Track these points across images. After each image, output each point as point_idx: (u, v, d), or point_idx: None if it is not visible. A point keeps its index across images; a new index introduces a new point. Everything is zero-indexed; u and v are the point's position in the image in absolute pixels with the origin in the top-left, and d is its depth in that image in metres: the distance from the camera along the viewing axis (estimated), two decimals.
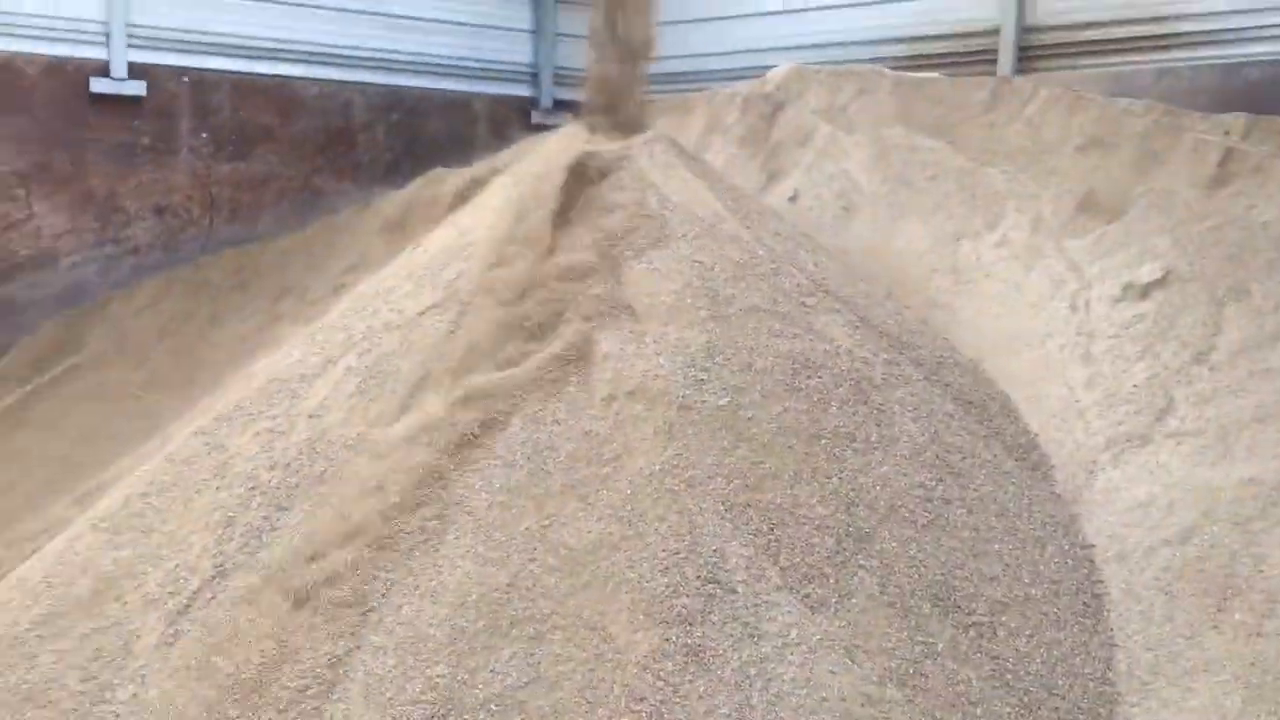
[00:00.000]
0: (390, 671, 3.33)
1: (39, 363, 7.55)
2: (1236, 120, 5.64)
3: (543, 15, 9.46)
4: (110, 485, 5.27)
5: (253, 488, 4.05)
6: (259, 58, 8.32)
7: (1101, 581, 3.84)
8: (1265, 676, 3.30)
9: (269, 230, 8.38)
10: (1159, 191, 5.20)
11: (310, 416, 4.24)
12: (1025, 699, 3.39)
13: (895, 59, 7.96)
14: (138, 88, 7.83)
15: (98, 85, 7.70)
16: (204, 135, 8.20)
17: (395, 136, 9.06)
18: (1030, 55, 7.62)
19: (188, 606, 3.75)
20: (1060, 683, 3.46)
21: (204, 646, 3.59)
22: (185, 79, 8.07)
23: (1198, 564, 3.72)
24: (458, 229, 4.96)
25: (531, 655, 3.33)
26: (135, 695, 3.54)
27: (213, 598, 3.74)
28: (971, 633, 3.52)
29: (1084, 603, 3.74)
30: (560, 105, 9.22)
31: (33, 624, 3.86)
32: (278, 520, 3.92)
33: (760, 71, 7.42)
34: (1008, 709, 3.34)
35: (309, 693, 3.37)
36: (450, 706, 3.23)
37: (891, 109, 6.03)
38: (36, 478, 6.80)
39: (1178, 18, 7.02)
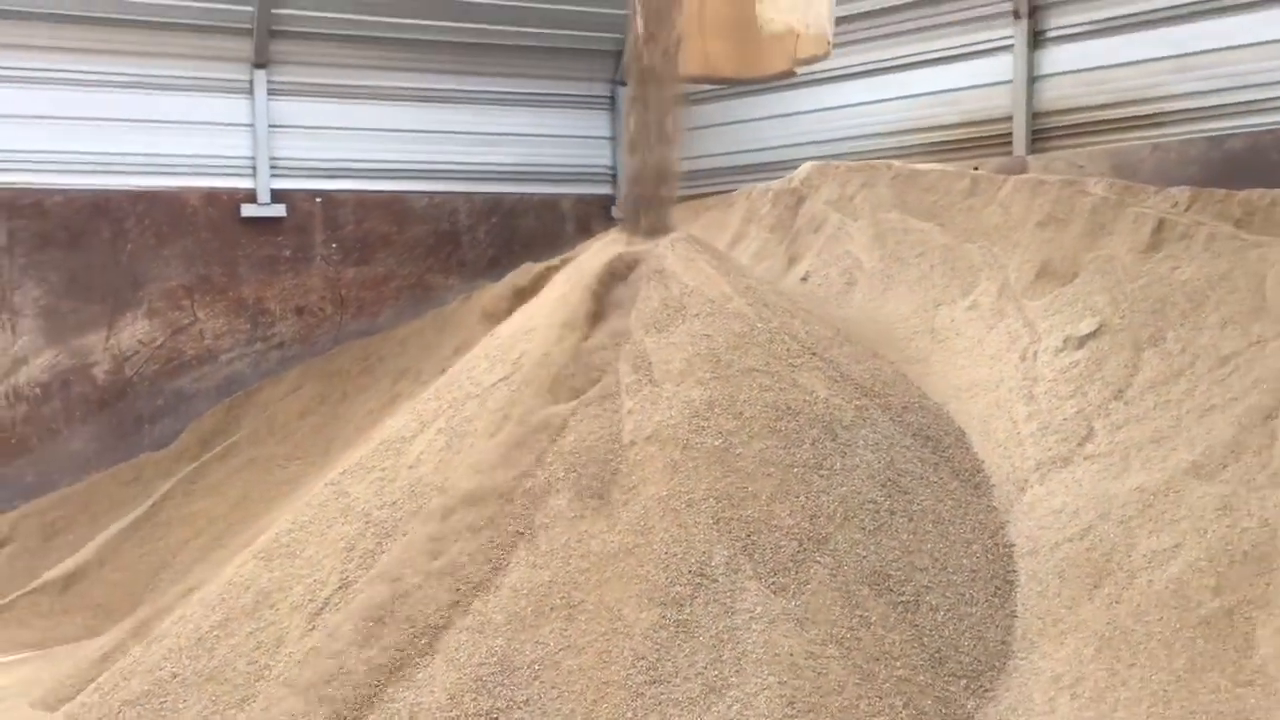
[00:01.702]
0: (463, 645, 4.55)
1: (205, 442, 8.90)
2: (1182, 193, 6.60)
3: (619, 123, 10.72)
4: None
5: (367, 522, 5.32)
6: (377, 177, 9.71)
7: (1014, 571, 4.87)
8: (1115, 632, 4.30)
9: (389, 322, 9.70)
10: (1103, 257, 6.17)
11: (410, 467, 5.52)
12: (936, 654, 4.45)
13: (919, 146, 9.08)
14: (279, 210, 9.25)
15: (247, 210, 9.14)
16: (334, 245, 9.59)
17: (495, 236, 10.29)
18: (1041, 137, 8.65)
19: (322, 609, 5.02)
20: (966, 643, 4.52)
21: (334, 638, 4.86)
22: (318, 199, 9.47)
23: (1087, 554, 4.73)
24: (524, 316, 6.25)
25: (565, 630, 4.53)
26: (286, 672, 4.84)
27: (340, 602, 5.02)
28: (899, 608, 4.60)
29: (996, 587, 4.78)
30: None
31: (211, 627, 5.20)
32: (386, 545, 5.18)
33: (795, 164, 8.62)
34: (921, 661, 4.41)
35: (408, 664, 4.62)
36: (505, 665, 4.44)
37: (889, 197, 7.14)
38: (206, 535, 8.17)
39: (1166, 98, 7.98)
